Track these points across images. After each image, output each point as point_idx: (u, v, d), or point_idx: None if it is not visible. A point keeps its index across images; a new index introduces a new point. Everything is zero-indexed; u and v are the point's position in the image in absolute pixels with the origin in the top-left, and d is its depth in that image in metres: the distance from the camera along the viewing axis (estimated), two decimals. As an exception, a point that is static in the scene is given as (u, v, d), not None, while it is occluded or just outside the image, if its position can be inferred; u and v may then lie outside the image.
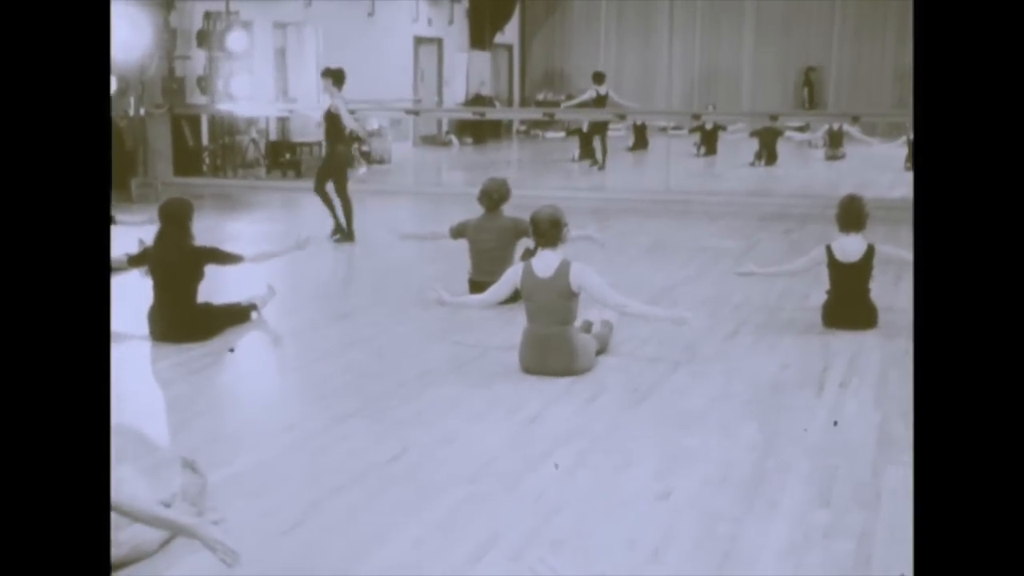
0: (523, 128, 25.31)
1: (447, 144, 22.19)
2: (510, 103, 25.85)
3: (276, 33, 17.49)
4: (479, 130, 22.80)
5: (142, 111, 13.74)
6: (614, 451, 4.48)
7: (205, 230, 10.01)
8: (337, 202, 10.05)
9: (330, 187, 10.09)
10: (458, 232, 7.39)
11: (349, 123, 10.11)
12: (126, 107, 13.69)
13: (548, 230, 5.58)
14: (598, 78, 17.79)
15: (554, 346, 5.47)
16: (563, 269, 5.47)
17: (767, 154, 18.03)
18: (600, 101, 17.56)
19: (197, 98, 15.08)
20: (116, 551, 3.40)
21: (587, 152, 18.23)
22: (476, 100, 23.00)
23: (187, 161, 14.75)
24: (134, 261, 6.43)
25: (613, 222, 11.07)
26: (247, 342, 6.38)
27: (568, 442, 4.57)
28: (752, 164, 17.93)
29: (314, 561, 3.51)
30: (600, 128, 17.46)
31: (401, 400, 5.18)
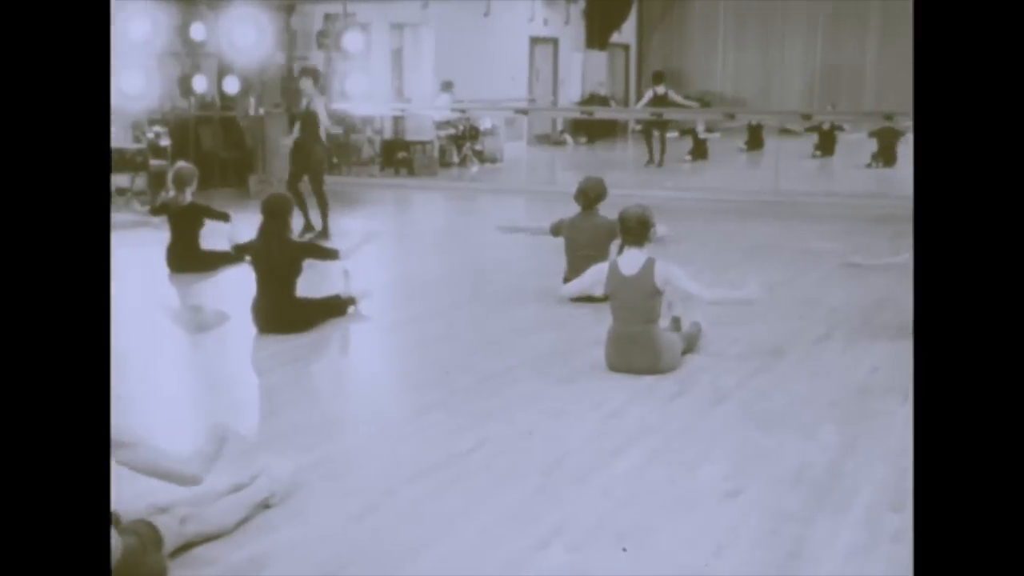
0: (638, 127, 25.23)
1: (561, 143, 22.28)
2: (626, 103, 25.78)
3: (393, 34, 17.85)
4: (594, 129, 22.82)
5: (261, 111, 14.19)
6: (688, 449, 4.51)
7: (317, 222, 10.34)
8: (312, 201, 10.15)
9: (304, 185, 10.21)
10: (557, 230, 7.48)
11: (326, 123, 10.26)
12: (247, 107, 14.18)
13: (635, 228, 5.62)
14: (658, 78, 18.01)
15: (639, 344, 5.51)
16: (648, 267, 5.50)
17: (885, 155, 17.61)
18: (659, 101, 17.69)
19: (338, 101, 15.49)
20: (201, 527, 3.59)
21: (700, 152, 18.11)
22: (592, 100, 23.02)
23: (304, 159, 15.16)
24: (238, 250, 6.74)
25: (718, 223, 11.01)
26: (342, 334, 6.58)
27: (643, 438, 4.62)
28: (868, 165, 17.55)
29: (383, 544, 3.64)
30: (659, 127, 17.91)
31: (485, 394, 5.29)
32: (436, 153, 16.56)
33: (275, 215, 6.41)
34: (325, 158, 10.64)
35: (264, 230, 6.45)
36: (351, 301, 6.90)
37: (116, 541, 3.25)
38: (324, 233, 10.05)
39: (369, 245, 7.03)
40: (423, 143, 16.36)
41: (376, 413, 5.10)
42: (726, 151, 17.57)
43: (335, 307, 6.79)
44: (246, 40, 13.41)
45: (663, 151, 17.70)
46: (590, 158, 19.89)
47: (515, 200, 14.46)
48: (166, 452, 3.46)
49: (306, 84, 10.12)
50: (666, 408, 5.06)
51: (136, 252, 9.25)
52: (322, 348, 6.29)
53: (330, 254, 6.50)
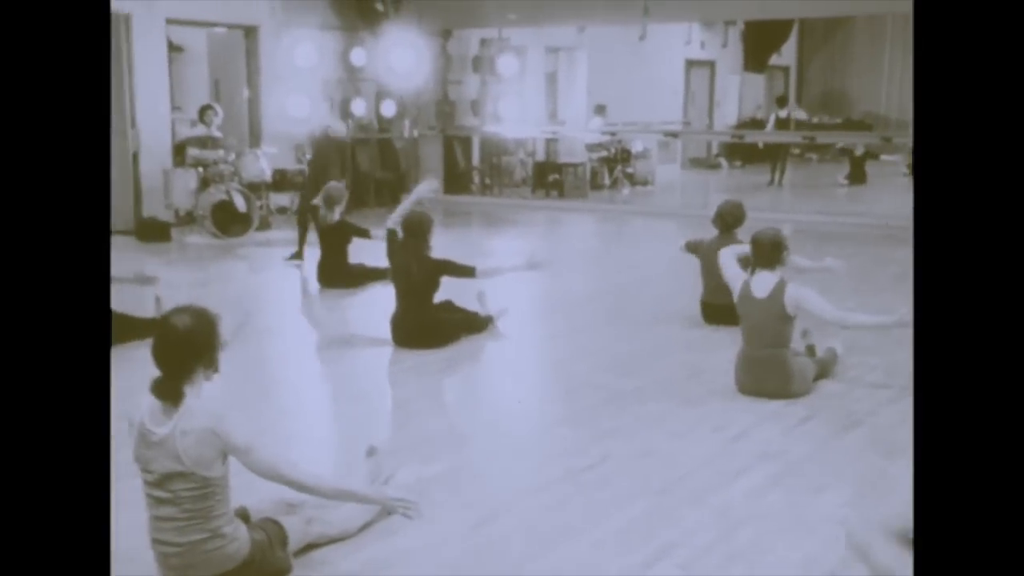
0: (796, 151, 24.77)
1: (716, 166, 22.08)
2: (786, 126, 25.35)
3: (548, 57, 18.09)
4: (750, 153, 22.52)
5: (415, 133, 14.61)
6: (811, 474, 4.45)
7: (468, 244, 10.61)
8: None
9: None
10: (692, 248, 7.46)
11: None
12: (402, 129, 14.62)
13: (768, 251, 5.58)
14: (780, 101, 18.29)
15: (768, 368, 5.46)
16: (778, 290, 5.45)
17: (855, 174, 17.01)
18: (782, 124, 17.94)
19: (469, 120, 15.85)
20: (325, 529, 3.77)
21: (857, 175, 17.70)
22: (751, 123, 22.74)
23: (457, 180, 15.54)
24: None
25: (868, 248, 10.74)
26: (478, 349, 6.74)
27: (765, 462, 4.58)
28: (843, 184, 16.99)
29: (497, 554, 3.74)
30: (782, 149, 18.27)
31: (611, 412, 5.33)
32: (587, 175, 16.68)
33: (414, 233, 6.62)
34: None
35: (404, 246, 6.67)
36: (489, 319, 7.05)
37: (245, 536, 3.45)
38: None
39: (525, 271, 7.06)
40: (574, 165, 16.50)
41: (501, 428, 5.21)
42: (885, 175, 17.05)
43: (473, 323, 6.95)
44: (403, 65, 13.85)
45: (782, 173, 18.21)
46: (743, 181, 19.64)
47: (665, 223, 14.41)
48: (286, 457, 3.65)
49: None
50: (792, 433, 5.00)
51: (292, 269, 9.68)
52: (456, 363, 6.44)
53: (467, 271, 6.66)
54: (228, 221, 11.14)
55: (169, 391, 3.32)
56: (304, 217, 9.85)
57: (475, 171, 16.17)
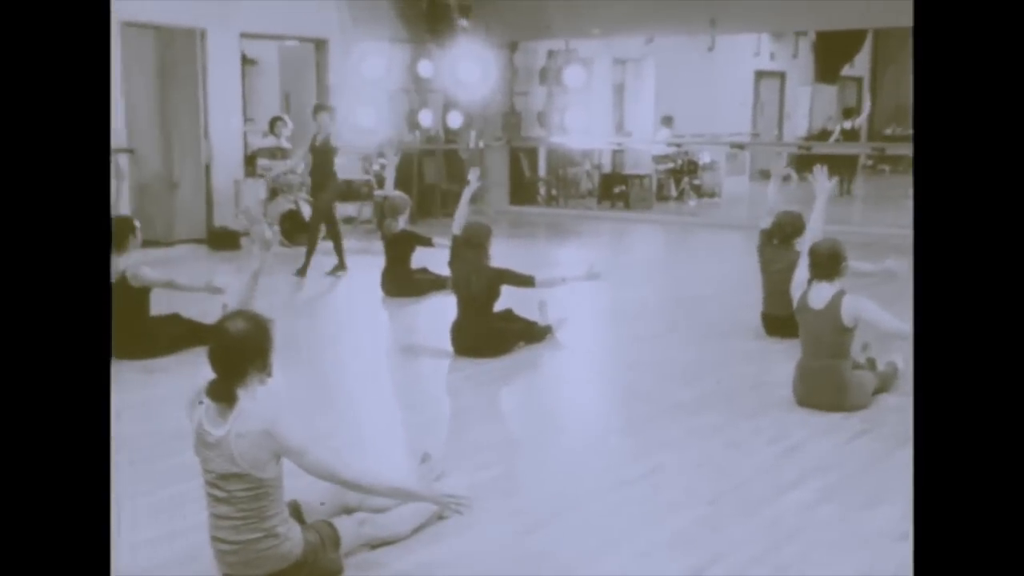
0: (869, 163, 24.43)
1: (786, 179, 21.83)
2: (858, 138, 25.01)
3: (615, 69, 18.10)
4: (822, 164, 22.23)
5: (481, 144, 14.72)
6: (865, 488, 4.42)
7: (534, 255, 10.67)
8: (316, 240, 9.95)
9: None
10: (765, 240, 7.39)
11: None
12: (468, 140, 14.74)
13: (826, 262, 5.54)
14: (847, 113, 18.37)
15: (825, 380, 5.42)
16: (835, 301, 5.41)
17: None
18: (849, 135, 17.86)
19: (536, 131, 15.92)
20: (377, 531, 3.84)
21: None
22: (821, 135, 22.49)
23: (523, 191, 15.62)
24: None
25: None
26: (536, 359, 6.78)
27: (819, 475, 4.56)
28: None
29: (544, 561, 3.77)
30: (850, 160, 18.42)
31: (667, 423, 5.34)
32: (653, 187, 16.64)
33: (474, 243, 6.69)
34: (337, 193, 10.40)
35: (464, 258, 6.74)
36: (548, 328, 7.09)
37: (298, 537, 3.53)
38: (341, 265, 9.92)
39: (584, 281, 7.06)
40: (641, 177, 16.49)
41: (556, 436, 5.26)
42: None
43: (532, 333, 7.00)
44: (470, 76, 13.97)
45: (851, 184, 18.38)
46: (811, 193, 19.38)
47: (732, 235, 14.32)
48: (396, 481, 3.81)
49: (323, 119, 9.91)
50: (848, 446, 4.96)
51: (360, 276, 9.82)
52: (514, 372, 6.50)
53: (526, 281, 6.71)
54: (295, 230, 11.34)
55: (224, 393, 3.41)
56: (315, 232, 9.88)
57: (541, 182, 16.23)
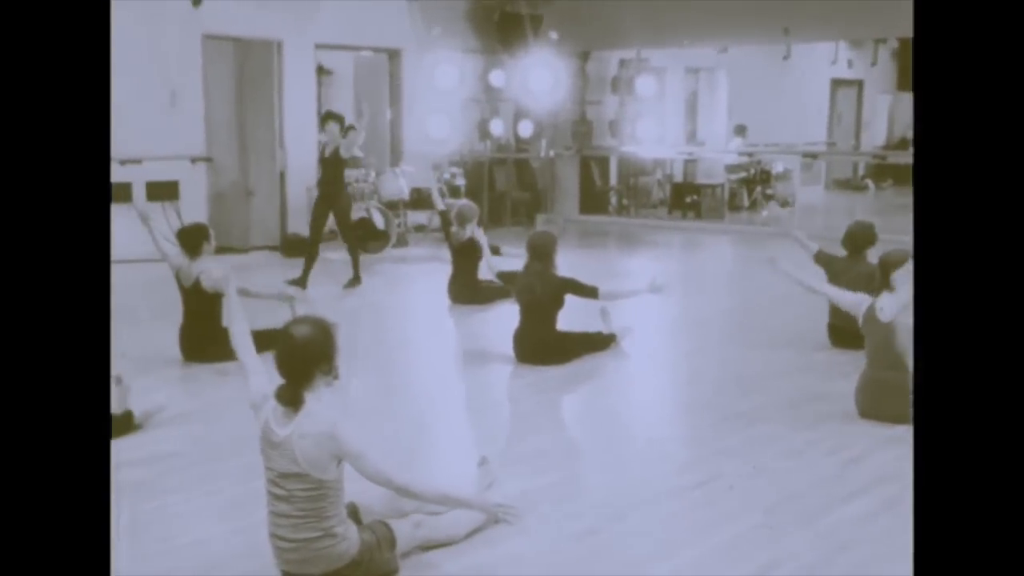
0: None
1: (862, 188, 21.57)
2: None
3: (688, 78, 18.05)
4: (901, 174, 21.90)
5: (551, 153, 14.80)
6: (925, 501, 4.37)
7: (604, 264, 10.70)
8: (316, 253, 9.73)
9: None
10: (823, 261, 7.32)
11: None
12: (539, 150, 14.83)
13: (894, 273, 5.49)
14: None
15: (888, 391, 5.37)
16: (903, 313, 5.36)
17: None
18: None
19: (607, 141, 15.95)
20: (432, 533, 3.91)
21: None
22: (900, 144, 22.14)
23: (593, 200, 15.65)
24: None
25: None
26: (598, 367, 6.81)
27: (880, 486, 4.53)
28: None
29: (599, 565, 3.81)
30: None
31: (724, 432, 5.34)
32: (725, 196, 16.55)
33: (538, 252, 6.75)
34: (349, 205, 10.10)
35: (528, 266, 6.81)
36: (612, 337, 7.12)
37: (355, 537, 3.62)
38: (356, 279, 9.66)
39: (647, 294, 7.05)
40: (713, 186, 16.41)
41: (613, 444, 5.28)
42: None
43: (596, 342, 7.03)
44: (541, 85, 14.06)
45: None
46: (889, 203, 19.14)
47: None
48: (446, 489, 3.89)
49: (331, 129, 9.63)
50: (909, 458, 4.90)
51: (428, 283, 9.96)
52: (575, 380, 6.54)
53: (590, 292, 6.74)
54: (367, 238, 11.51)
55: (290, 396, 3.51)
56: (315, 246, 9.70)
57: (612, 191, 16.25)
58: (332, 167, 9.66)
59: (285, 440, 3.47)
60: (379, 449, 3.60)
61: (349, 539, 3.59)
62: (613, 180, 16.38)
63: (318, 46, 12.79)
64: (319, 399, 3.52)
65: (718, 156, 17.09)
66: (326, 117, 9.87)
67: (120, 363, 4.02)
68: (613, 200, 16.28)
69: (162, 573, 3.72)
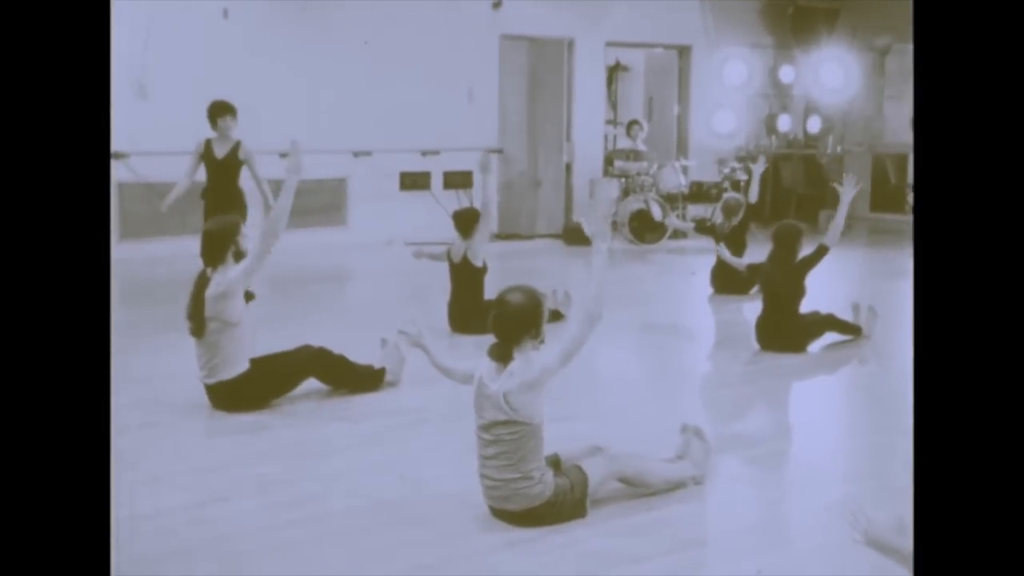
0: None
1: None
2: None
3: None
4: None
5: (839, 149, 14.56)
6: None
7: (889, 264, 10.57)
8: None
9: None
10: None
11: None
12: (827, 145, 14.64)
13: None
14: None
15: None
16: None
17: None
18: None
19: (906, 137, 15.43)
20: (624, 469, 4.22)
21: None
22: None
23: (886, 197, 15.24)
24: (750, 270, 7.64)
25: None
26: (837, 358, 6.89)
27: None
28: None
29: (780, 529, 4.07)
30: None
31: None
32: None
33: (782, 242, 6.92)
34: (243, 211, 8.20)
35: (773, 256, 6.99)
36: (858, 328, 7.16)
37: (550, 481, 4.04)
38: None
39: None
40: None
41: (824, 428, 5.46)
42: None
43: (843, 326, 7.10)
44: (833, 80, 13.87)
45: None
46: None
47: None
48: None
49: (225, 123, 8.09)
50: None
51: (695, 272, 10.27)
52: (807, 367, 6.69)
53: (820, 251, 6.75)
54: (644, 229, 11.94)
55: (501, 354, 4.01)
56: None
57: (909, 189, 15.70)
58: (222, 169, 8.19)
59: (494, 392, 3.96)
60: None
61: (545, 482, 4.01)
62: (911, 178, 15.82)
63: (608, 44, 13.33)
64: (527, 360, 3.96)
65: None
66: (215, 109, 8.14)
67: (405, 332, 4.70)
68: (909, 198, 15.72)
69: (412, 501, 4.28)
